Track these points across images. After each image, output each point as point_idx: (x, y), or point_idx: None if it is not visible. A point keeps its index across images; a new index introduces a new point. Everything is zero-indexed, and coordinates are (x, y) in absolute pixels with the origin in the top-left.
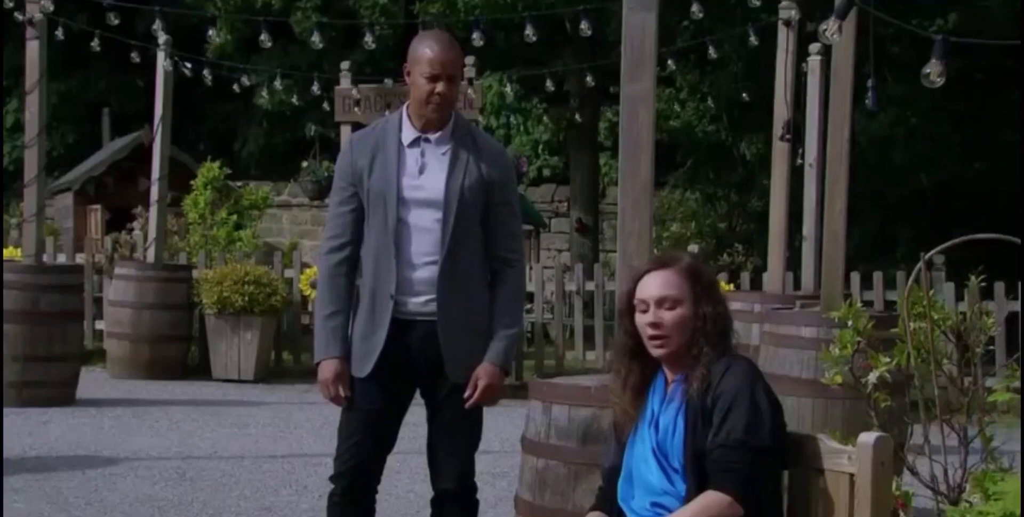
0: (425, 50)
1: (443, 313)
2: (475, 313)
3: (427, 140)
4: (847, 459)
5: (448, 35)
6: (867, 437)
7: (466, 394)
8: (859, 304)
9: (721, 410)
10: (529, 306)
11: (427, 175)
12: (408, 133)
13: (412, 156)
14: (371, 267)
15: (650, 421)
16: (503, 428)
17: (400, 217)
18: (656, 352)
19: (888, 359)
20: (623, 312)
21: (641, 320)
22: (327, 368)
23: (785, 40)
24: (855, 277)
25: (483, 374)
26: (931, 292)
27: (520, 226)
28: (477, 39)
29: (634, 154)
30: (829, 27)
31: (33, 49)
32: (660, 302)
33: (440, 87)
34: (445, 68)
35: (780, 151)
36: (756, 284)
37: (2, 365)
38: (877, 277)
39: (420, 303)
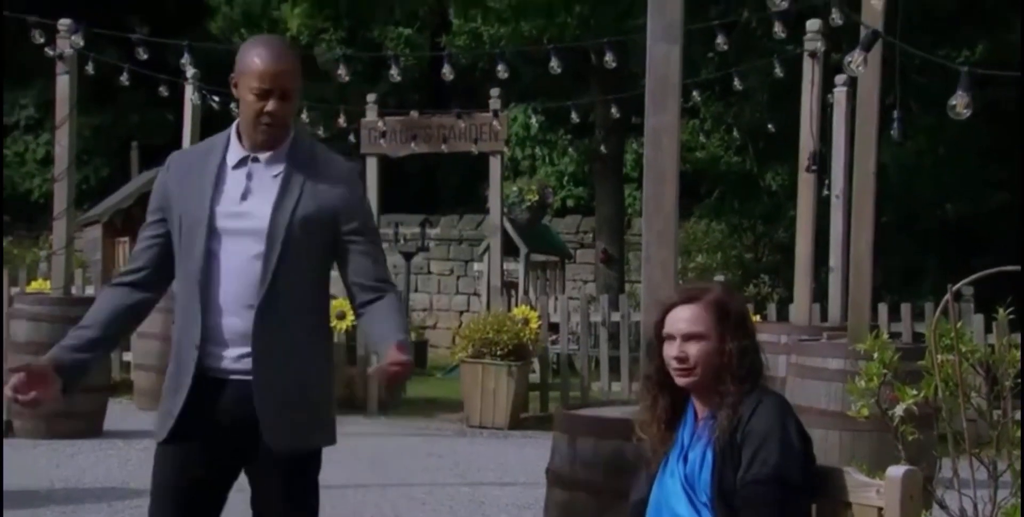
0: (254, 59)
1: (260, 371)
2: (302, 373)
3: (256, 160)
4: (875, 492)
5: (284, 41)
6: (895, 470)
7: (378, 369)
8: (886, 335)
9: (751, 446)
10: (554, 337)
11: (252, 201)
12: (235, 153)
13: (236, 179)
14: (180, 312)
15: (679, 454)
16: (529, 460)
17: (211, 251)
18: (680, 381)
19: (915, 392)
20: (651, 343)
21: (667, 351)
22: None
23: (810, 71)
24: (883, 308)
25: (396, 352)
26: (959, 324)
27: (383, 254)
28: (502, 71)
29: (658, 185)
30: (855, 59)
31: (63, 84)
32: (686, 337)
33: (271, 105)
34: (278, 82)
35: (805, 182)
36: (783, 315)
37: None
38: (905, 309)
39: (232, 358)
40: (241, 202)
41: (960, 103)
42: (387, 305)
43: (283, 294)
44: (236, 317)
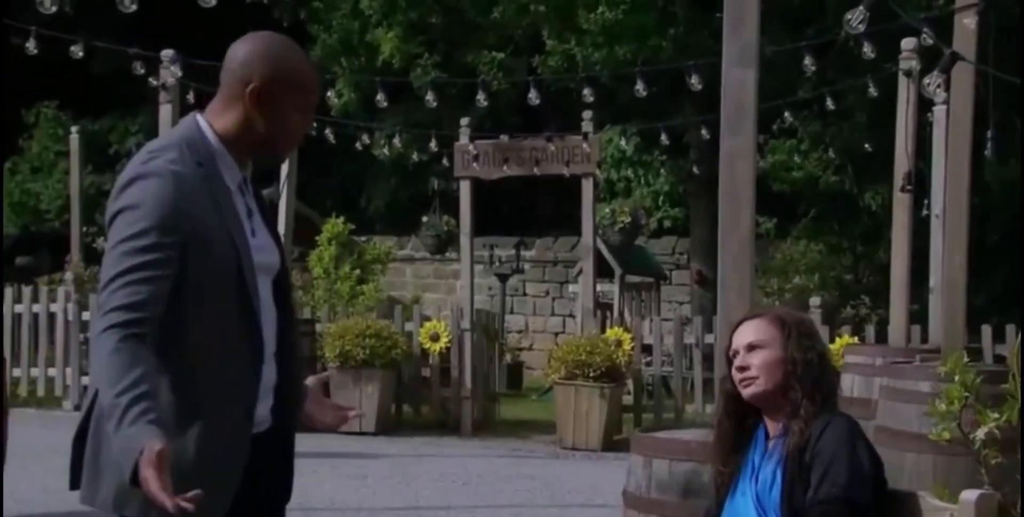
0: (306, 71)
1: (293, 422)
2: None
3: (246, 184)
4: None
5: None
6: (969, 494)
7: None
8: (990, 358)
9: (820, 467)
10: (648, 359)
11: (260, 234)
12: (232, 173)
13: (240, 206)
14: (217, 365)
15: (751, 474)
16: (620, 482)
17: (257, 291)
18: (745, 393)
19: (997, 415)
20: (724, 365)
21: (733, 367)
22: (151, 447)
23: (906, 91)
24: (986, 330)
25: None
26: None
27: None
28: (587, 95)
29: (733, 209)
30: (932, 81)
31: (166, 112)
32: (749, 347)
33: (310, 122)
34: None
35: (902, 202)
36: (882, 337)
37: (5, 389)
38: (1010, 330)
39: (266, 411)
40: (255, 234)
41: None
42: None
43: (295, 338)
44: (267, 366)
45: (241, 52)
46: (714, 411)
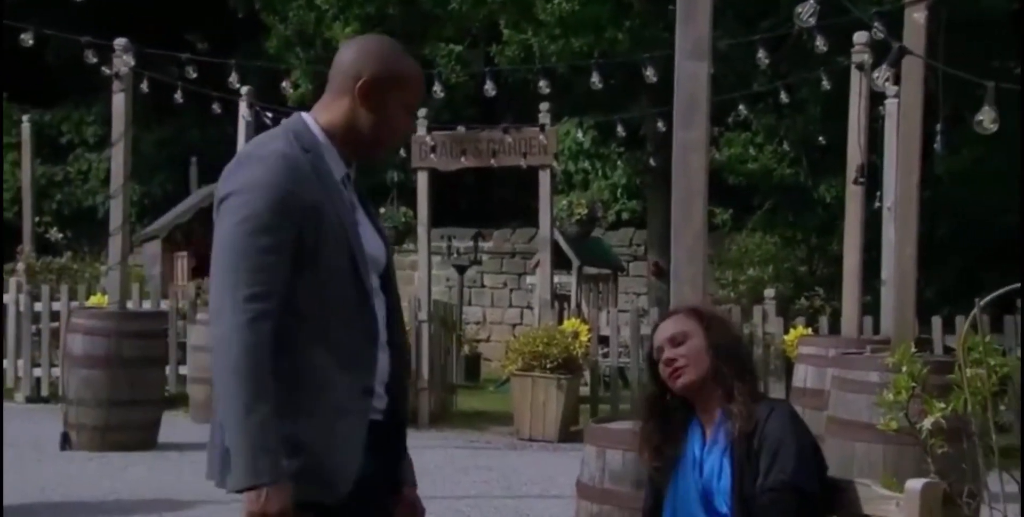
0: (414, 71)
1: (406, 412)
2: None
3: (349, 178)
4: (895, 505)
5: None
6: (914, 483)
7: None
8: (940, 349)
9: (768, 453)
10: (605, 350)
11: (364, 228)
12: (337, 165)
13: (345, 197)
14: (342, 348)
15: (694, 464)
16: (576, 473)
17: (370, 279)
18: (677, 385)
19: (943, 405)
20: (649, 366)
21: (660, 364)
22: (282, 497)
23: (858, 84)
24: (936, 321)
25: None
26: (987, 338)
27: None
28: (543, 87)
29: (687, 202)
30: (881, 75)
31: (119, 102)
32: (671, 341)
33: (411, 123)
34: None
35: (854, 195)
36: (836, 328)
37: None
38: (959, 321)
39: (379, 398)
40: (359, 226)
41: (987, 118)
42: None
43: (403, 329)
44: (383, 353)
45: (352, 51)
46: (641, 405)
